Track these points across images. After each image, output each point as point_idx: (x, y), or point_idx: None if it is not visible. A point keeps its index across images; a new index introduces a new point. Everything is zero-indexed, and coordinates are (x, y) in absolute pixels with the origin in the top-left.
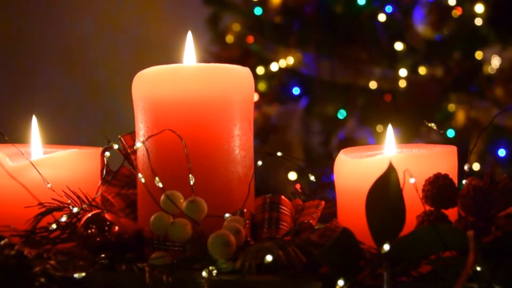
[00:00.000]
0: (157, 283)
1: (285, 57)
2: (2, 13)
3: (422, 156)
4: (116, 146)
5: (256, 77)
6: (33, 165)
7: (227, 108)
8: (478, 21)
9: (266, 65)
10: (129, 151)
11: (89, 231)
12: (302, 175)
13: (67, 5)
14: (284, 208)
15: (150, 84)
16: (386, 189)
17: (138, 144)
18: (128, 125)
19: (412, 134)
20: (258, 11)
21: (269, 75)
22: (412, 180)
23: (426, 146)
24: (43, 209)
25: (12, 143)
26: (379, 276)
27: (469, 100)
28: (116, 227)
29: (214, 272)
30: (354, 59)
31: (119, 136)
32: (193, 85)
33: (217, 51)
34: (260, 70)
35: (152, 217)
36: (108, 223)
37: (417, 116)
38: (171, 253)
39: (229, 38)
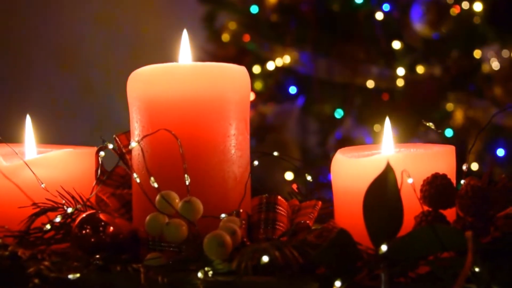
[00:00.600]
0: (152, 284)
1: (281, 56)
2: None
3: (420, 156)
4: (111, 146)
5: (252, 76)
6: (27, 165)
7: (223, 107)
8: (477, 20)
9: (263, 64)
10: (124, 150)
11: (84, 231)
12: (298, 175)
13: (61, 4)
14: (281, 208)
15: (145, 83)
16: (383, 189)
17: (133, 144)
18: (123, 125)
19: (410, 133)
20: (254, 9)
21: (265, 74)
22: (410, 180)
23: (424, 146)
24: (37, 210)
25: (6, 142)
26: (377, 277)
27: (467, 99)
28: (111, 228)
29: (210, 273)
30: (351, 58)
31: (114, 136)
32: (188, 84)
33: (213, 50)
34: (257, 69)
35: (147, 218)
36: (102, 223)
37: (415, 115)
38: (167, 254)
39: (225, 37)
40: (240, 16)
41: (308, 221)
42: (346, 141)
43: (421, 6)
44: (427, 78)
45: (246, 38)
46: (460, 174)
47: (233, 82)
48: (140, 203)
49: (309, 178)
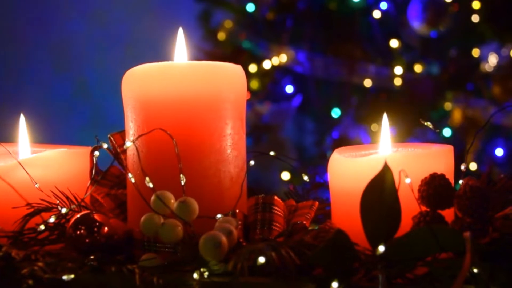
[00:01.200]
0: (147, 285)
1: (278, 55)
2: None
3: (418, 156)
4: (105, 146)
5: (249, 75)
6: (21, 165)
7: (218, 107)
8: (475, 18)
9: (259, 62)
10: (118, 150)
11: (78, 232)
12: (295, 175)
13: (56, 2)
14: (277, 208)
15: (140, 82)
16: (381, 189)
17: (128, 144)
18: (118, 124)
19: (407, 133)
20: (250, 7)
21: (261, 73)
22: (407, 180)
23: (422, 146)
24: (31, 210)
25: None
26: (374, 278)
27: (465, 99)
28: (106, 228)
29: (206, 274)
30: (349, 56)
31: (109, 135)
32: (184, 83)
33: (208, 49)
34: (253, 67)
35: (142, 218)
36: (97, 224)
37: (412, 114)
38: (162, 255)
39: (221, 35)
40: (236, 14)
41: (304, 222)
42: (343, 141)
43: (419, 4)
44: (425, 77)
45: (242, 36)
46: (458, 174)
47: (229, 81)
48: (135, 203)
49: (305, 178)
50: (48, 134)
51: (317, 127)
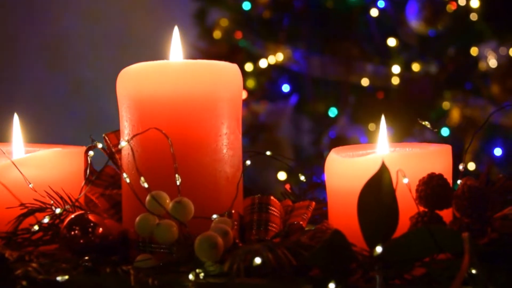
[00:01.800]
0: (142, 286)
1: (274, 53)
2: None
3: (415, 156)
4: (100, 145)
5: (245, 74)
6: (14, 164)
7: (214, 106)
8: (474, 16)
9: (255, 61)
10: (113, 150)
11: (72, 232)
12: (292, 175)
13: (50, 0)
14: (274, 209)
15: (135, 81)
16: (378, 189)
17: (123, 143)
18: (112, 124)
19: (405, 132)
20: (246, 6)
21: (258, 72)
22: (405, 180)
23: (420, 145)
24: (25, 210)
25: None
26: (371, 279)
27: (464, 98)
28: (100, 229)
29: (201, 275)
30: (346, 55)
31: (103, 135)
32: (179, 82)
33: (204, 47)
34: (249, 66)
35: (137, 219)
36: (92, 224)
37: (410, 114)
38: (157, 256)
39: (217, 34)
40: (232, 12)
41: (301, 222)
42: (340, 140)
43: (417, 3)
44: (423, 76)
45: (238, 35)
46: (456, 174)
47: (225, 80)
48: (130, 203)
49: (302, 178)
50: (42, 134)
51: (314, 126)
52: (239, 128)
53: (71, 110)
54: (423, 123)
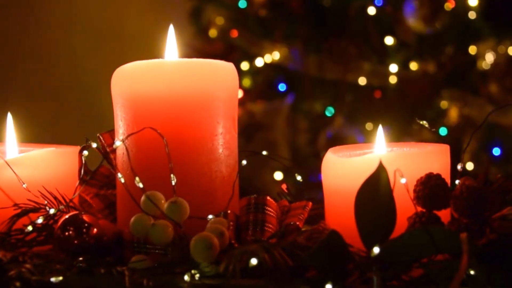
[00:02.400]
0: (137, 287)
1: (270, 52)
2: None
3: (413, 155)
4: (94, 145)
5: (241, 73)
6: (8, 164)
7: (210, 105)
8: (472, 15)
9: (251, 60)
10: (108, 150)
11: (67, 233)
12: (288, 175)
13: None
14: (270, 209)
15: (130, 80)
16: (376, 189)
17: (118, 143)
18: (107, 123)
19: (403, 132)
20: (242, 4)
21: (254, 71)
22: (403, 180)
23: (418, 145)
24: (19, 211)
25: None
26: (369, 280)
27: (462, 97)
28: (95, 229)
29: (197, 276)
30: (343, 54)
31: (98, 134)
32: (174, 81)
33: (200, 46)
34: (245, 65)
35: (132, 219)
36: (86, 225)
37: (408, 113)
38: (152, 256)
39: (213, 32)
40: (228, 11)
41: (298, 223)
42: (337, 140)
43: (415, 1)
44: (420, 75)
45: (234, 33)
46: (454, 174)
47: (220, 79)
48: (125, 203)
49: (299, 178)
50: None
51: (310, 126)
52: (235, 127)
53: (65, 109)
54: (421, 122)
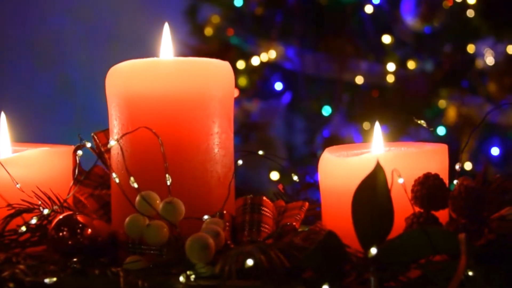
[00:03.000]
0: None
1: (267, 51)
2: None
3: (411, 155)
4: (89, 145)
5: (237, 72)
6: (1, 164)
7: (205, 105)
8: (470, 13)
9: (247, 59)
10: (102, 149)
11: (61, 234)
12: (285, 175)
13: None
14: (266, 209)
15: (125, 79)
16: (373, 189)
17: (112, 142)
18: (101, 122)
19: (400, 131)
20: (238, 2)
21: (250, 70)
22: (400, 180)
23: (416, 145)
24: (12, 211)
25: None
26: (366, 281)
27: (460, 96)
28: (89, 230)
29: (192, 277)
30: (340, 52)
31: (92, 134)
32: (170, 80)
33: (195, 45)
34: (241, 64)
35: (127, 219)
36: (80, 225)
37: (406, 112)
38: (147, 257)
39: (208, 31)
40: (224, 9)
41: (294, 223)
42: (334, 140)
43: None
44: (418, 73)
45: (230, 32)
46: (453, 174)
47: (216, 78)
48: (120, 204)
49: (295, 178)
50: (29, 133)
51: (307, 125)
52: (231, 127)
53: (59, 108)
54: (419, 122)
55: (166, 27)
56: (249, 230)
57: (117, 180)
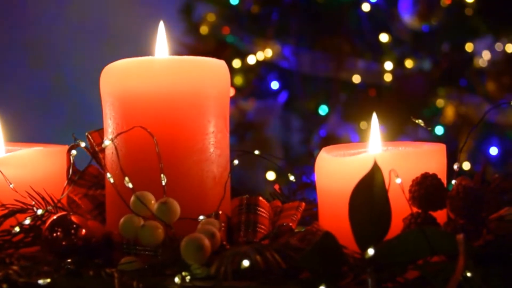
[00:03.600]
0: None
1: (263, 49)
2: None
3: (409, 155)
4: (83, 144)
5: (232, 71)
6: None
7: (201, 104)
8: (469, 11)
9: (243, 57)
10: (97, 149)
11: (54, 234)
12: (281, 175)
13: None
14: (262, 210)
15: (119, 78)
16: (370, 190)
17: (107, 142)
18: (96, 122)
19: (398, 131)
20: (234, 0)
21: (246, 69)
22: (398, 180)
23: (413, 144)
24: (6, 211)
25: None
26: (363, 282)
27: (458, 95)
28: (83, 230)
29: (188, 278)
30: (336, 51)
31: (86, 133)
32: (165, 79)
33: (191, 43)
34: (237, 63)
35: (122, 220)
36: (74, 226)
37: (403, 112)
38: (142, 258)
39: (204, 29)
40: (220, 7)
41: (291, 223)
42: (331, 139)
43: None
44: (416, 72)
45: (226, 30)
46: (451, 173)
47: (212, 77)
48: (114, 204)
49: (292, 178)
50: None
51: (303, 125)
52: (227, 126)
53: (54, 108)
54: (417, 121)
55: (161, 26)
56: (245, 231)
57: (111, 180)
